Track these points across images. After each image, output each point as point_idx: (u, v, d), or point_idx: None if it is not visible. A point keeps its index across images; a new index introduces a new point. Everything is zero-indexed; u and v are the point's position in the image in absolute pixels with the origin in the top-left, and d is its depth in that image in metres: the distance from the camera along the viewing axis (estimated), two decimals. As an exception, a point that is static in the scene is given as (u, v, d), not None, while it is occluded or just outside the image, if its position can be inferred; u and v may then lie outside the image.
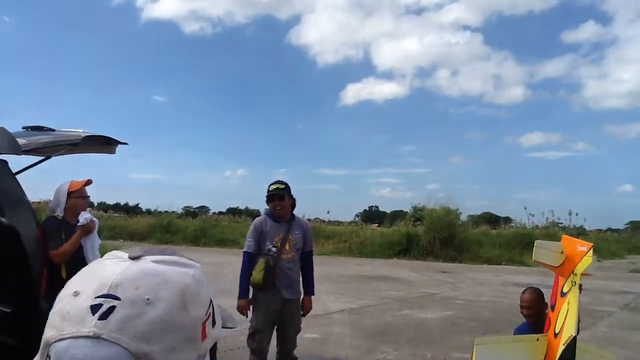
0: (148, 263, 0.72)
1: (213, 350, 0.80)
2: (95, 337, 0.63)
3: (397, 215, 32.73)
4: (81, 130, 4.13)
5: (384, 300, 10.74)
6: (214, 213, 41.25)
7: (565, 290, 2.93)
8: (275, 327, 4.56)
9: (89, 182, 4.21)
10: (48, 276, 3.91)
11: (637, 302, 11.37)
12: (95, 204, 32.72)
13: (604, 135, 62.33)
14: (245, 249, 4.61)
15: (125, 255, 0.73)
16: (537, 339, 3.05)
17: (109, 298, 0.66)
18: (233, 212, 38.75)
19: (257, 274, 4.38)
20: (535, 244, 3.10)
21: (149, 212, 36.61)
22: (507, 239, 22.34)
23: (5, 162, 3.49)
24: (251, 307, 4.52)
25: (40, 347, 0.67)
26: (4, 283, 2.75)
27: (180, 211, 34.82)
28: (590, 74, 63.64)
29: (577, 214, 24.50)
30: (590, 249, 2.78)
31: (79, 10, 66.76)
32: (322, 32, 71.04)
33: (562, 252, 3.02)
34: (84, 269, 0.73)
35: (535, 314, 3.52)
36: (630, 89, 62.96)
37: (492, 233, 24.47)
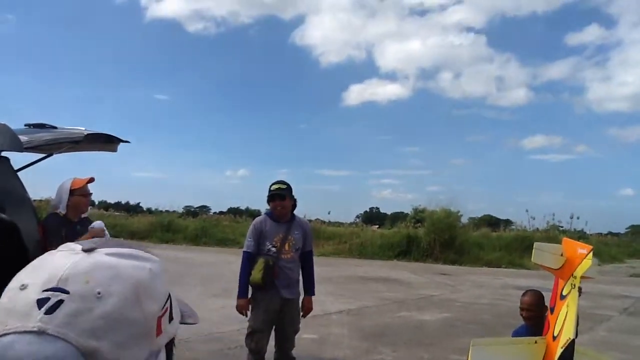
0: (102, 256, 0.69)
1: (170, 346, 0.78)
2: (41, 333, 0.61)
3: (398, 216, 32.68)
4: (83, 128, 4.14)
5: (383, 301, 10.74)
6: (214, 213, 41.24)
7: (564, 293, 2.93)
8: (274, 326, 4.56)
9: (91, 180, 4.21)
10: None
11: (637, 307, 11.36)
12: (96, 203, 32.76)
13: (607, 138, 62.30)
14: (244, 249, 4.61)
15: (79, 247, 0.71)
16: (536, 342, 3.04)
17: (57, 292, 0.63)
18: (234, 212, 38.72)
19: (257, 274, 4.39)
20: (534, 246, 3.11)
21: (149, 211, 36.64)
22: (507, 242, 22.32)
23: (7, 159, 3.50)
24: (250, 306, 4.52)
25: None
26: (4, 280, 2.75)
27: (181, 210, 34.90)
28: (594, 76, 63.70)
29: (578, 218, 24.49)
30: (590, 252, 2.79)
31: (83, 9, 66.94)
32: (325, 33, 71.19)
33: (562, 255, 3.02)
34: (33, 261, 0.70)
35: (535, 317, 3.51)
36: (633, 92, 62.70)
37: (493, 236, 24.44)
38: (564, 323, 2.83)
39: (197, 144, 74.57)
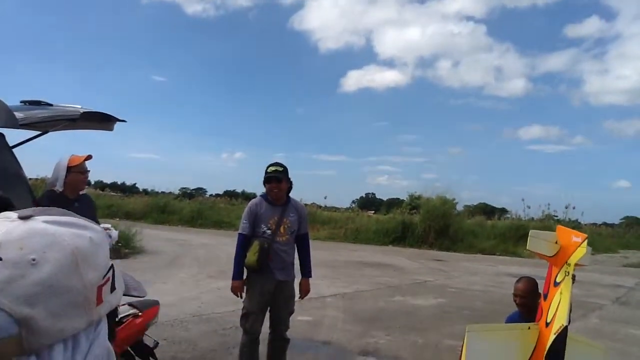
0: (38, 223, 0.68)
1: (113, 315, 0.77)
2: None
3: (394, 203, 32.80)
4: (79, 106, 4.10)
5: (377, 286, 10.79)
6: (210, 195, 41.35)
7: (558, 280, 2.94)
8: (269, 308, 4.57)
9: (89, 158, 4.17)
10: None
11: (629, 296, 11.46)
12: (92, 182, 32.73)
13: (603, 130, 62.61)
14: (239, 231, 4.59)
15: (15, 215, 0.69)
16: (529, 328, 3.06)
17: None
18: (230, 194, 38.83)
19: (252, 256, 4.38)
20: (530, 234, 3.11)
21: (145, 192, 36.67)
22: (502, 230, 22.41)
23: (2, 136, 3.47)
24: (245, 288, 4.53)
25: None
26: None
27: (177, 192, 34.92)
28: (592, 69, 63.78)
29: (574, 208, 24.55)
30: (584, 240, 2.79)
31: (81, -12, 66.15)
32: (324, 18, 70.92)
33: (556, 242, 3.02)
34: None
35: (528, 304, 3.53)
36: (631, 86, 62.94)
37: (487, 224, 24.54)
38: (557, 310, 2.85)
39: (194, 127, 74.53)
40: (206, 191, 46.62)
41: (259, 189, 4.68)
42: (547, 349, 2.78)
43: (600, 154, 61.01)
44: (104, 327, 0.74)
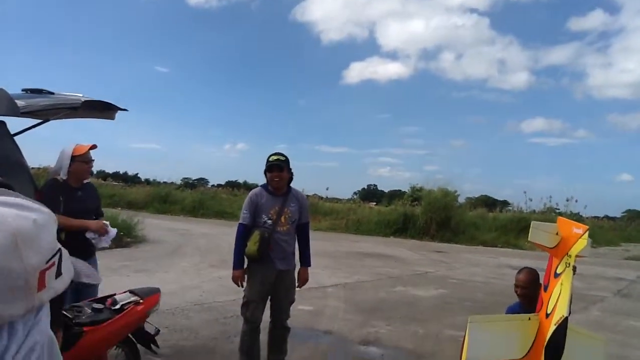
0: None
1: (61, 301, 0.74)
2: None
3: (395, 195, 32.78)
4: (81, 95, 4.09)
5: (378, 276, 10.81)
6: (212, 185, 41.42)
7: (559, 271, 2.94)
8: (269, 297, 4.58)
9: (93, 147, 4.18)
10: None
11: (630, 289, 11.46)
12: (95, 172, 32.75)
13: (606, 124, 62.40)
14: (240, 221, 4.58)
15: None
16: (529, 319, 3.07)
17: None
18: (232, 185, 38.88)
19: (252, 246, 4.38)
20: (531, 225, 3.11)
21: (147, 182, 36.73)
22: (503, 223, 22.39)
23: (3, 123, 3.46)
24: (246, 277, 4.54)
25: None
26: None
27: (179, 182, 34.98)
28: (595, 62, 63.52)
29: (576, 201, 24.50)
30: (585, 232, 2.79)
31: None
32: (327, 10, 70.53)
33: (557, 234, 3.02)
34: None
35: (529, 295, 3.53)
36: (634, 79, 62.63)
37: (489, 216, 24.53)
38: (557, 301, 2.85)
39: (196, 117, 74.47)
40: (208, 181, 46.72)
41: (261, 179, 4.67)
42: (547, 339, 2.79)
43: (603, 148, 60.94)
44: (45, 314, 0.71)
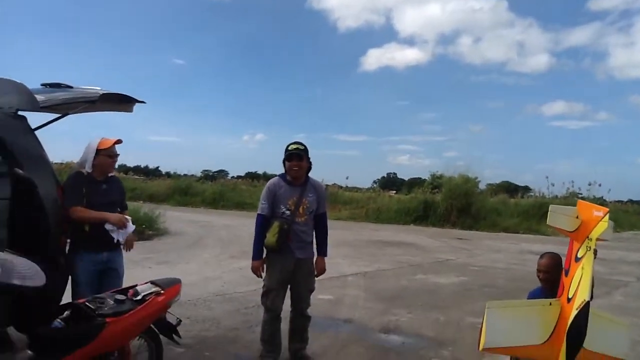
0: None
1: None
2: None
3: (415, 182, 32.68)
4: (99, 88, 4.13)
5: (399, 264, 10.80)
6: (232, 177, 41.72)
7: (579, 255, 2.90)
8: (289, 286, 4.60)
9: (118, 142, 4.22)
10: (72, 230, 3.98)
11: (655, 273, 11.28)
12: (116, 166, 33.16)
13: (628, 105, 61.28)
14: (259, 212, 4.57)
15: None
16: (550, 304, 3.03)
17: None
18: (251, 176, 39.07)
19: (271, 237, 4.38)
20: (550, 209, 3.08)
21: (168, 175, 37.12)
22: (525, 208, 22.19)
23: (24, 118, 3.52)
24: (265, 266, 4.56)
25: None
26: (21, 233, 2.81)
27: (199, 175, 35.27)
28: (617, 42, 62.26)
29: (599, 185, 24.13)
30: (606, 214, 2.75)
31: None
32: (343, -4, 69.67)
33: (577, 217, 2.99)
34: None
35: (551, 279, 3.48)
36: (657, 59, 61.09)
37: (511, 202, 24.32)
38: (578, 285, 2.82)
39: (214, 109, 74.97)
40: (228, 173, 47.12)
41: (280, 170, 4.64)
42: (568, 324, 2.76)
43: (625, 130, 59.97)
44: None
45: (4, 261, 0.79)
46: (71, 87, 4.06)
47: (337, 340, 5.46)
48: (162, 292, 3.57)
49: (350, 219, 21.83)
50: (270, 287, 4.50)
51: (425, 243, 14.91)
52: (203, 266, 9.50)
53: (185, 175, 32.96)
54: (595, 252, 2.83)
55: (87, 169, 4.11)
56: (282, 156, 4.54)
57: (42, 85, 4.02)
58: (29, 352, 2.71)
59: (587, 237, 2.85)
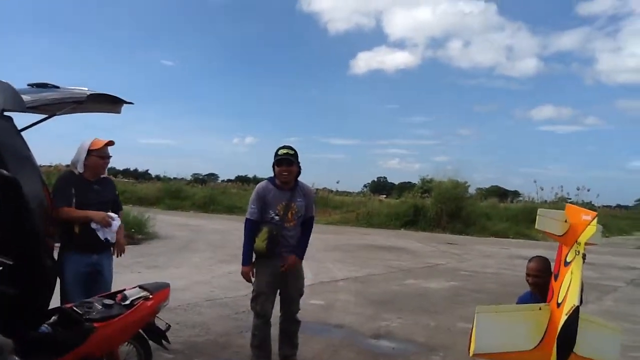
0: None
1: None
2: None
3: (405, 187, 32.74)
4: (86, 88, 4.09)
5: (389, 269, 10.79)
6: (222, 181, 41.61)
7: (568, 259, 2.90)
8: (279, 290, 4.57)
9: (110, 143, 4.19)
10: (62, 231, 3.97)
11: (644, 278, 11.36)
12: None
13: (616, 110, 61.84)
14: (247, 216, 4.53)
15: None
16: (540, 308, 3.02)
17: None
18: (242, 180, 38.98)
19: (260, 243, 4.34)
20: (538, 213, 3.07)
21: (158, 178, 36.96)
22: (514, 213, 22.34)
23: (10, 119, 3.47)
24: (254, 270, 4.52)
25: None
26: (6, 236, 2.76)
27: (189, 178, 35.13)
28: (605, 47, 62.89)
29: (588, 190, 24.35)
30: (594, 218, 2.74)
31: (89, -26, 66.06)
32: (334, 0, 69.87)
33: (565, 221, 2.98)
34: None
35: (541, 283, 3.47)
36: (644, 64, 61.67)
37: (500, 206, 24.48)
38: (568, 290, 2.81)
39: (205, 111, 74.65)
40: (218, 177, 46.94)
41: (270, 173, 4.59)
42: (559, 329, 2.75)
43: (613, 134, 60.52)
44: None
45: None
46: (58, 87, 4.02)
47: (328, 346, 5.43)
48: (150, 296, 3.53)
49: (341, 223, 21.81)
50: (260, 291, 4.46)
51: (415, 247, 14.92)
52: (193, 271, 9.43)
53: (175, 178, 32.80)
54: (584, 256, 2.82)
55: (79, 169, 4.09)
56: (272, 160, 4.50)
57: (29, 85, 3.98)
58: (16, 357, 2.67)
59: (576, 241, 2.84)
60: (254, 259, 4.51)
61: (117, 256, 4.31)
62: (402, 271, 10.68)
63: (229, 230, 15.59)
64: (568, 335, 2.68)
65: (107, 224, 4.06)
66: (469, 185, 22.85)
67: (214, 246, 12.69)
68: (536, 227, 3.11)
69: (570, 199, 23.49)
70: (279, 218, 4.44)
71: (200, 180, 39.04)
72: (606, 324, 3.26)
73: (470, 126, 72.74)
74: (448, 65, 68.95)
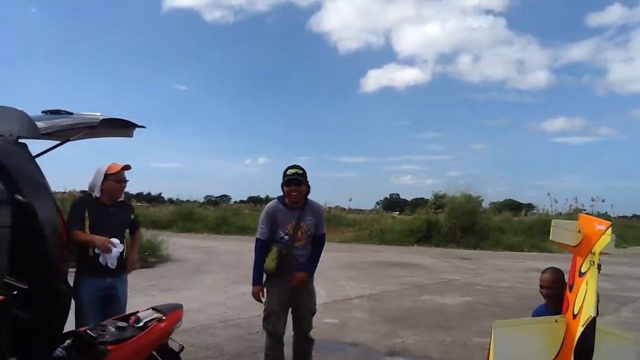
0: None
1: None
2: None
3: (418, 203, 32.65)
4: (99, 114, 4.15)
5: (403, 286, 10.72)
6: (235, 202, 41.70)
7: (583, 270, 2.87)
8: (290, 309, 4.55)
9: (127, 167, 4.25)
10: (78, 255, 4.02)
11: (662, 289, 11.17)
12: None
13: (630, 119, 61.25)
14: (258, 236, 4.55)
15: None
16: (556, 321, 3.00)
17: None
18: (254, 200, 39.01)
19: (270, 262, 4.34)
20: (552, 224, 3.05)
21: (171, 201, 37.10)
22: (529, 226, 22.16)
23: (25, 146, 3.53)
24: (265, 289, 4.51)
25: None
26: (22, 261, 2.80)
27: (201, 200, 35.28)
28: (616, 57, 62.48)
29: (603, 201, 24.15)
30: (608, 228, 2.73)
31: None
32: (343, 19, 70.36)
33: (579, 231, 2.96)
34: None
35: (555, 295, 3.45)
36: (656, 73, 61.35)
37: (514, 220, 24.30)
38: (583, 301, 2.78)
39: (216, 134, 74.85)
40: (230, 198, 47.03)
41: (281, 193, 4.59)
42: (575, 341, 2.72)
43: (627, 144, 59.86)
44: None
45: None
46: (71, 114, 4.08)
47: (343, 364, 5.39)
48: (164, 318, 3.54)
49: (354, 241, 21.74)
50: (271, 311, 4.45)
51: (429, 263, 14.82)
52: (206, 292, 9.44)
53: (187, 201, 32.93)
54: (599, 266, 2.80)
55: (96, 193, 4.15)
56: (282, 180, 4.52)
57: (43, 112, 4.05)
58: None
59: (591, 251, 2.82)
60: (264, 279, 4.51)
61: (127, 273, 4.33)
62: (416, 287, 10.61)
63: (242, 251, 15.58)
64: (585, 347, 2.66)
65: (106, 250, 4.01)
66: (482, 200, 22.75)
67: (227, 267, 12.69)
68: (550, 238, 3.09)
69: (584, 210, 23.28)
70: (288, 237, 4.44)
71: (212, 202, 39.21)
72: (620, 334, 3.22)
73: (483, 140, 72.48)
74: (459, 81, 68.96)
